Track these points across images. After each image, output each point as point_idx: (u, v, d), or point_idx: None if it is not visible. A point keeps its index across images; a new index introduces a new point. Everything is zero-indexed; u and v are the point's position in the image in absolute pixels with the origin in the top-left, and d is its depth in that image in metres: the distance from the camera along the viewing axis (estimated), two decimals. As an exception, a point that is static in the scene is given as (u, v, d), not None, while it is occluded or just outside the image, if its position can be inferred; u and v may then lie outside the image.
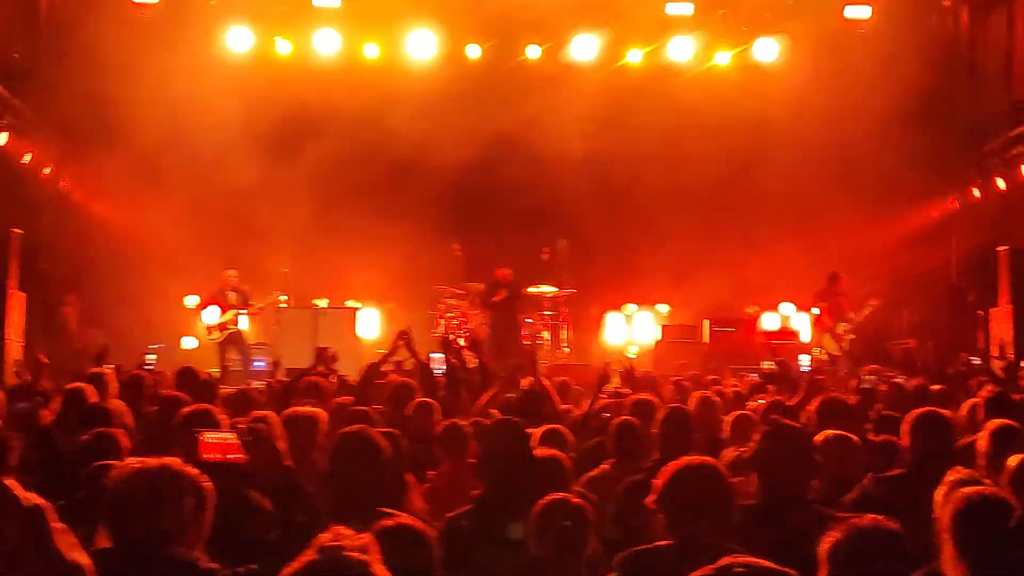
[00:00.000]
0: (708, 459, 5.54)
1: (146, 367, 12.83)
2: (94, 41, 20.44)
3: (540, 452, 6.58)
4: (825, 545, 4.22)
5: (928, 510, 5.16)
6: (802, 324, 22.29)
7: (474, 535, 5.89)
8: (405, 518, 4.88)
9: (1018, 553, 4.67)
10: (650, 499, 5.35)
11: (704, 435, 8.81)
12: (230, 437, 5.31)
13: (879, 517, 4.29)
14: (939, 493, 5.43)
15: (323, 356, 10.92)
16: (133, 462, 4.75)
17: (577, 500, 5.40)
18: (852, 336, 20.53)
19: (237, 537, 4.85)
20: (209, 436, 5.32)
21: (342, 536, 3.45)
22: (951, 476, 5.62)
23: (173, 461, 4.68)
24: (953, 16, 23.02)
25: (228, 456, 5.27)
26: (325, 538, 3.45)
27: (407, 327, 11.76)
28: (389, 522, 4.69)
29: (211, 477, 4.74)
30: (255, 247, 21.03)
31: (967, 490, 5.01)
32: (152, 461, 4.67)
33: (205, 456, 5.24)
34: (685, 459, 5.48)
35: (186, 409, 6.60)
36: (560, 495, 5.40)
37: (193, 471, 4.68)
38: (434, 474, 7.79)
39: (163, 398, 8.85)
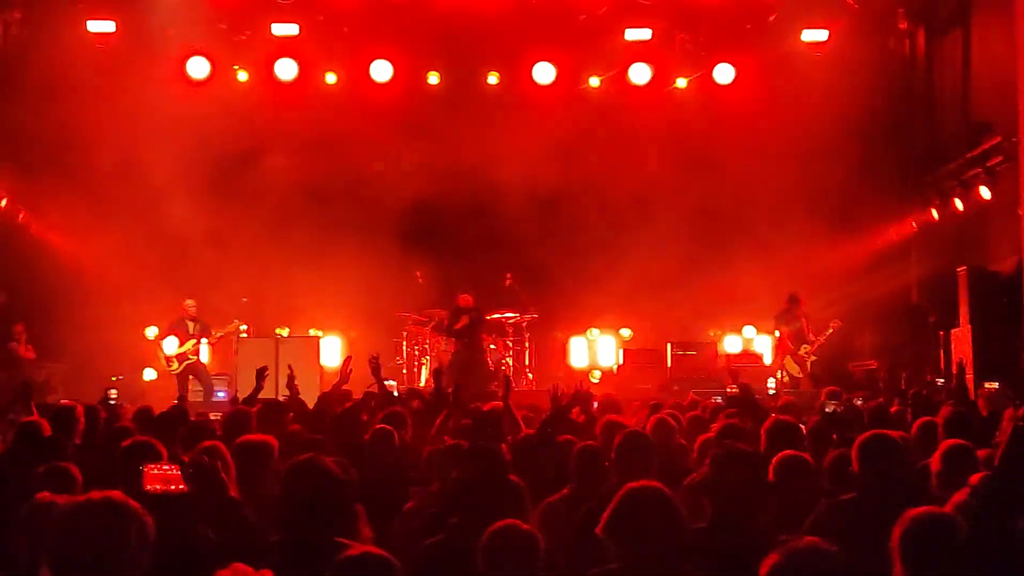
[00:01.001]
0: (655, 484, 5.51)
1: (109, 401, 12.75)
2: (51, 70, 20.39)
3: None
4: (764, 568, 4.20)
5: (879, 533, 5.16)
6: (764, 347, 22.35)
7: (448, 563, 5.86)
8: (369, 547, 4.83)
9: (964, 572, 4.68)
10: (598, 527, 5.33)
11: (662, 458, 8.77)
12: (173, 469, 5.25)
13: (817, 539, 4.28)
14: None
15: (260, 376, 10.82)
16: (77, 496, 4.68)
17: (526, 527, 5.36)
18: (814, 358, 20.60)
19: (180, 569, 4.78)
20: (152, 468, 5.26)
21: (239, 572, 3.40)
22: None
23: (116, 494, 4.60)
24: (909, 39, 23.22)
25: (171, 487, 5.20)
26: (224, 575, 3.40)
27: (375, 353, 11.75)
28: (354, 552, 4.64)
29: (154, 509, 4.67)
30: (214, 276, 20.90)
31: (915, 510, 5.03)
32: (95, 494, 4.59)
33: (148, 487, 5.18)
34: (631, 484, 5.45)
35: (126, 442, 6.52)
36: (509, 522, 5.35)
37: (136, 504, 4.60)
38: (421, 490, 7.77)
39: (111, 431, 8.75)
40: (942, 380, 16.57)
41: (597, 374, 22.40)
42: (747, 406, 10.89)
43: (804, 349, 20.57)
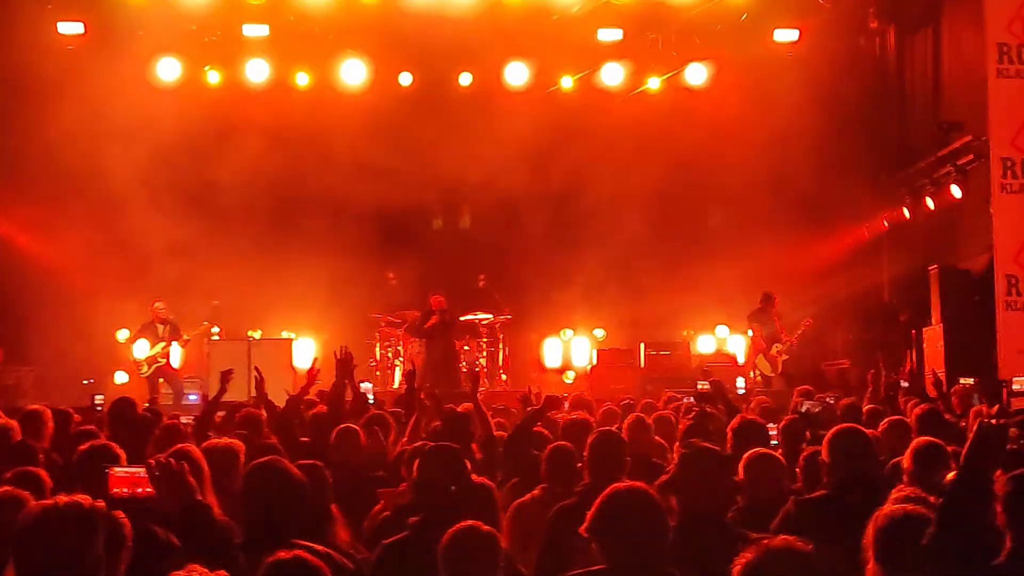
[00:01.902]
0: (640, 484, 5.50)
1: (96, 408, 12.70)
2: (20, 72, 20.30)
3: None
4: (737, 567, 4.18)
5: (850, 531, 5.17)
6: (738, 347, 22.38)
7: (409, 562, 5.83)
8: (303, 552, 4.77)
9: (932, 569, 4.69)
10: (583, 527, 5.31)
11: (637, 458, 8.78)
12: (139, 471, 5.22)
13: (790, 538, 4.26)
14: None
15: (225, 379, 10.72)
16: (43, 501, 4.65)
17: (486, 528, 5.33)
18: (786, 357, 20.64)
19: (140, 574, 4.74)
20: (118, 470, 5.22)
21: (195, 572, 3.37)
22: (894, 494, 5.66)
23: (83, 498, 4.57)
24: (880, 38, 23.34)
25: (137, 490, 5.17)
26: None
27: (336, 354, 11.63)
28: (285, 555, 4.61)
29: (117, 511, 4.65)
30: (185, 279, 20.80)
31: (889, 507, 5.04)
32: (61, 499, 4.56)
33: (114, 491, 5.14)
34: (617, 485, 5.46)
35: (84, 446, 6.48)
36: (468, 523, 5.32)
37: (103, 507, 4.57)
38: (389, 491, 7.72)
39: (78, 433, 8.70)
40: (906, 383, 16.55)
41: (571, 375, 22.41)
42: (719, 403, 10.89)
43: (776, 348, 20.61)
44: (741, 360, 21.74)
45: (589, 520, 5.30)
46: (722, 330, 22.73)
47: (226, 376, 10.73)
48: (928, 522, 4.92)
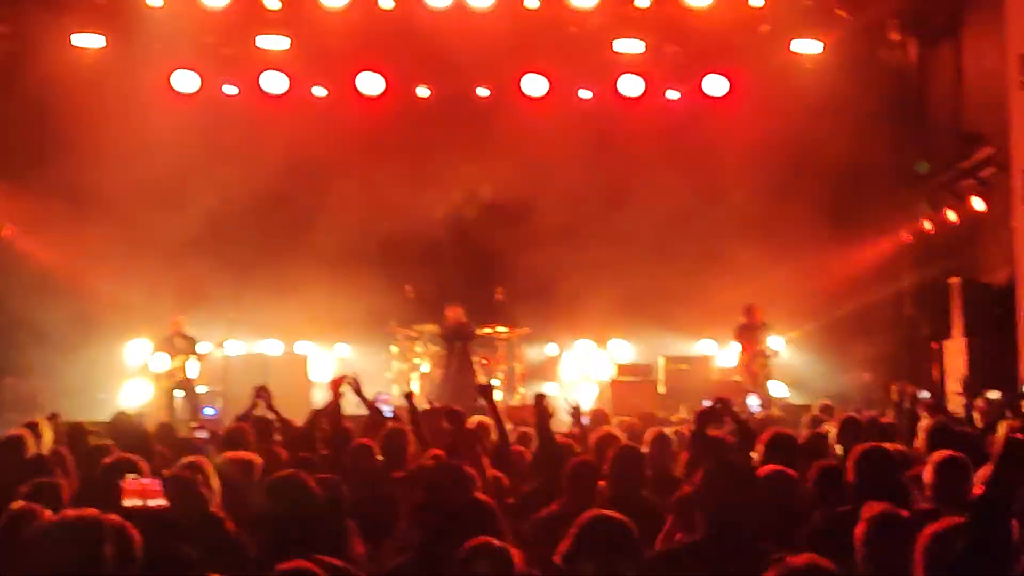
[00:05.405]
0: (612, 512, 5.43)
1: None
2: (39, 84, 20.37)
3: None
4: None
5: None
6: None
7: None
8: (312, 565, 4.72)
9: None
10: (556, 555, 5.28)
11: (658, 473, 8.73)
12: (152, 483, 5.18)
13: (814, 555, 4.19)
14: (859, 530, 5.54)
15: (262, 395, 10.69)
16: (51, 514, 4.65)
17: (500, 543, 5.25)
18: (767, 371, 20.36)
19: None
20: (130, 482, 5.19)
21: None
22: (867, 513, 5.61)
23: (91, 511, 4.56)
24: (901, 50, 23.19)
25: (149, 501, 5.13)
26: None
27: (353, 373, 11.58)
28: (287, 566, 4.55)
29: (133, 524, 4.61)
30: (202, 292, 20.81)
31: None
32: (70, 512, 4.57)
33: (126, 501, 5.10)
34: (590, 512, 5.42)
35: (108, 459, 6.46)
36: (484, 539, 5.23)
37: (113, 520, 4.54)
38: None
39: (93, 447, 8.70)
40: (927, 394, 16.43)
41: (589, 388, 22.28)
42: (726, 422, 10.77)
43: (759, 363, 20.30)
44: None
45: (563, 548, 5.28)
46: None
47: (259, 392, 10.75)
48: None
